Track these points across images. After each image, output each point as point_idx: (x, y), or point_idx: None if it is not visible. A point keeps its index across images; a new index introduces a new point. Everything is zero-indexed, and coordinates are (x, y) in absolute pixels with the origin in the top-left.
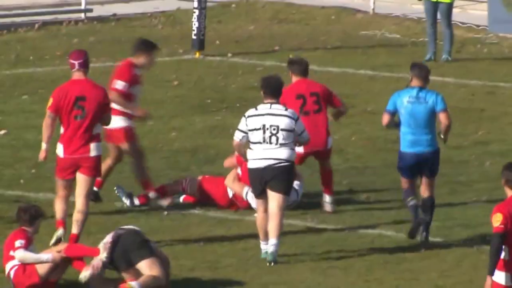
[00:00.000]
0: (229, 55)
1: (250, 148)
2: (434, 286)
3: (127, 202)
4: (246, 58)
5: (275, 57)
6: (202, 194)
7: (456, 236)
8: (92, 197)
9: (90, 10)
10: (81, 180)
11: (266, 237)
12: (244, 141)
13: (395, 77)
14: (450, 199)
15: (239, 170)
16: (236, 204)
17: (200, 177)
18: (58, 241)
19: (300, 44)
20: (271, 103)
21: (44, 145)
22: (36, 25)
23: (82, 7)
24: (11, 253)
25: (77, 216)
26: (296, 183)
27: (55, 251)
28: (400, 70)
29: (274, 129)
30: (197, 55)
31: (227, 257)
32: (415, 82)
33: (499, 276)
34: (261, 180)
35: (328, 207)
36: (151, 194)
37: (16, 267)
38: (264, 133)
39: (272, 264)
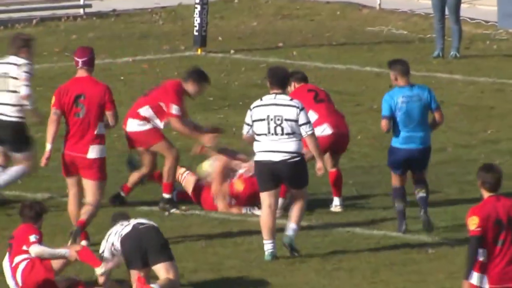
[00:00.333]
0: (232, 51)
1: (256, 141)
2: None
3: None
4: (249, 54)
5: (279, 54)
6: (195, 194)
7: (465, 237)
8: (117, 202)
9: (89, 6)
10: (85, 183)
11: (271, 235)
12: (251, 133)
13: None
14: (458, 199)
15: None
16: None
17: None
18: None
19: (304, 41)
20: (276, 94)
21: (48, 146)
22: (34, 21)
23: (81, 2)
24: (24, 247)
25: (86, 208)
26: None
27: (72, 249)
28: None
29: (278, 119)
30: (199, 51)
31: (230, 259)
32: (403, 81)
33: (480, 279)
34: (273, 174)
35: (338, 209)
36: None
37: (26, 262)
38: (268, 124)
39: (287, 246)
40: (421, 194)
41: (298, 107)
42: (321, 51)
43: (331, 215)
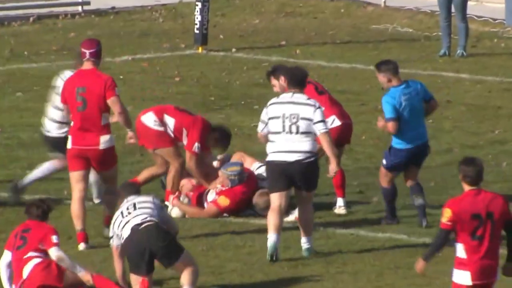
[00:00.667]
0: (233, 50)
1: (270, 141)
2: None
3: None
4: (251, 53)
5: (281, 52)
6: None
7: None
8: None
9: (88, 3)
10: (102, 176)
11: (276, 230)
12: (266, 132)
13: (407, 73)
14: None
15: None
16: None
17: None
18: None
19: (307, 39)
20: (294, 92)
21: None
22: (31, 19)
23: None
24: (41, 246)
25: (105, 198)
26: None
27: (90, 273)
28: (412, 66)
29: (294, 118)
30: (200, 50)
31: (232, 262)
32: (396, 80)
33: (462, 276)
34: (287, 175)
35: (342, 210)
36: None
37: (41, 259)
38: (283, 122)
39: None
40: (421, 201)
41: (314, 106)
42: (325, 50)
43: (335, 217)
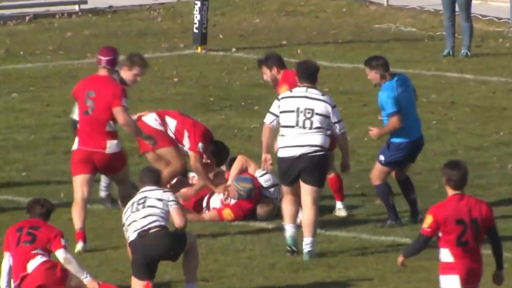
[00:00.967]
0: (233, 50)
1: (281, 135)
2: None
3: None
4: (251, 53)
5: (283, 52)
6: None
7: None
8: None
9: (85, 2)
10: (111, 179)
11: (292, 220)
12: (275, 125)
13: (411, 73)
14: None
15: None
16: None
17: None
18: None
19: (309, 38)
20: (308, 87)
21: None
22: (27, 18)
23: None
24: (48, 246)
25: (121, 201)
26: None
27: (96, 281)
28: (416, 66)
29: (308, 113)
30: (199, 50)
31: (231, 266)
32: (389, 74)
33: (451, 281)
34: (294, 169)
35: (342, 212)
36: None
37: (47, 258)
38: (297, 116)
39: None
40: (414, 195)
41: (330, 104)
42: (327, 49)
43: (337, 221)
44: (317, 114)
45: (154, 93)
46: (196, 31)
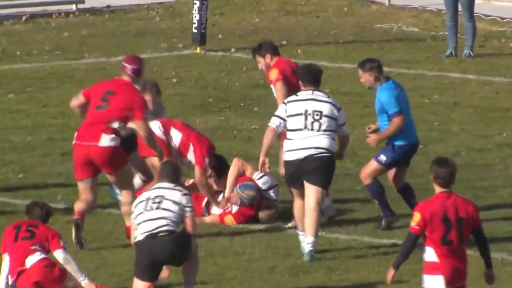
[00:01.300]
0: (233, 50)
1: (287, 138)
2: None
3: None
4: (250, 53)
5: (282, 52)
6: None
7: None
8: None
9: (82, 1)
10: (110, 178)
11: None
12: (281, 128)
13: (413, 74)
14: None
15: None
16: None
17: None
18: (76, 226)
19: (309, 38)
20: (313, 90)
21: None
22: (24, 17)
23: None
24: (46, 245)
25: (123, 208)
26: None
27: (94, 284)
28: (418, 66)
29: (317, 115)
30: (198, 50)
31: (231, 269)
32: (383, 76)
33: (435, 281)
34: (300, 172)
35: (330, 211)
36: None
37: (45, 256)
38: (306, 119)
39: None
40: (415, 201)
41: (336, 106)
42: (327, 50)
43: (337, 223)
44: (325, 116)
45: None
46: (195, 31)
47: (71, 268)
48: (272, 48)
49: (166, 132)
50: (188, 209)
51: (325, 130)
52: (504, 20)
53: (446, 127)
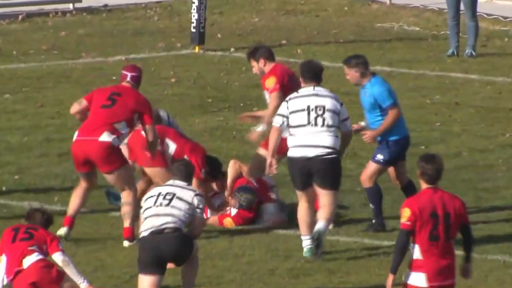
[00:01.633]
0: (232, 49)
1: (290, 134)
2: None
3: (119, 203)
4: None
5: (282, 52)
6: None
7: (481, 248)
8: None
9: (79, 0)
10: (109, 179)
11: (309, 231)
12: (285, 126)
13: (414, 73)
14: (475, 208)
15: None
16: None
17: None
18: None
19: (309, 38)
20: (314, 86)
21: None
22: (20, 17)
23: None
24: (45, 248)
25: (123, 209)
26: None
27: (92, 287)
28: (419, 66)
29: (320, 110)
30: (197, 49)
31: (230, 272)
32: (370, 73)
33: (418, 278)
34: (307, 171)
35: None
36: None
37: (43, 257)
38: (309, 115)
39: (316, 242)
40: None
41: (338, 101)
42: (328, 49)
43: (338, 225)
44: (328, 110)
45: (151, 94)
46: (193, 30)
47: (70, 271)
48: (268, 53)
49: (161, 141)
50: (199, 210)
51: (328, 126)
52: (507, 19)
53: (448, 128)
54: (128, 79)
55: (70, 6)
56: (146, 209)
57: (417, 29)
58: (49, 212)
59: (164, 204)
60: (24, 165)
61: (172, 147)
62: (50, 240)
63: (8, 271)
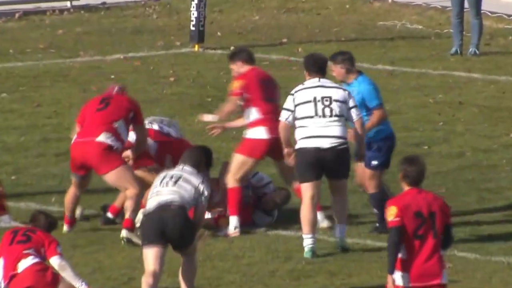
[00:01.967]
0: (232, 48)
1: (299, 127)
2: None
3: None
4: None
5: (283, 51)
6: None
7: (485, 250)
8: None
9: None
10: (110, 180)
11: (311, 229)
12: (291, 121)
13: (416, 72)
14: (478, 208)
15: None
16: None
17: None
18: None
19: (310, 36)
20: (319, 77)
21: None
22: (17, 15)
23: None
24: (42, 251)
25: (126, 203)
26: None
27: None
28: (422, 65)
29: (326, 100)
30: (196, 48)
31: (230, 273)
32: (355, 71)
33: (402, 278)
34: (319, 163)
35: (324, 223)
36: None
37: (39, 260)
38: (315, 106)
39: (340, 250)
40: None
41: (345, 90)
42: (329, 48)
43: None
44: (335, 100)
45: (150, 93)
46: (193, 28)
47: (68, 274)
48: (247, 55)
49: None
50: (203, 197)
51: (336, 116)
52: (511, 17)
53: (451, 127)
54: (116, 90)
55: (68, 4)
56: (153, 189)
57: (420, 27)
58: (54, 216)
59: (170, 184)
60: (21, 165)
61: (153, 146)
62: (48, 243)
63: (4, 275)
